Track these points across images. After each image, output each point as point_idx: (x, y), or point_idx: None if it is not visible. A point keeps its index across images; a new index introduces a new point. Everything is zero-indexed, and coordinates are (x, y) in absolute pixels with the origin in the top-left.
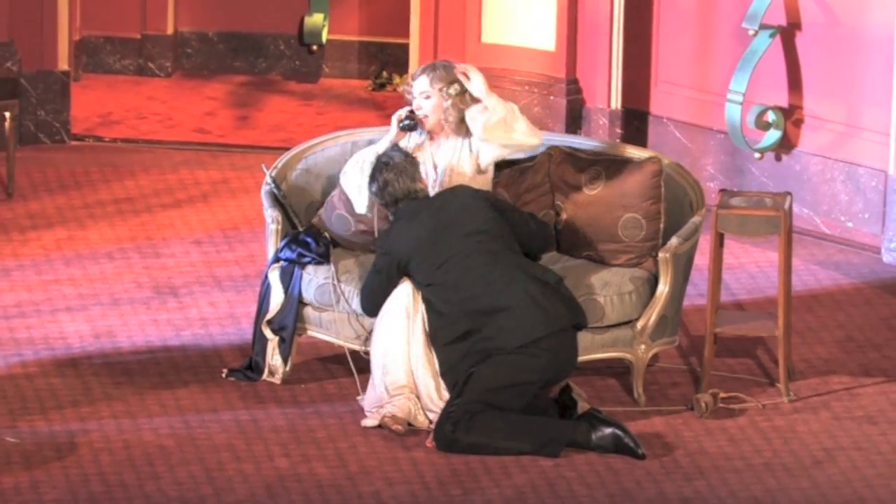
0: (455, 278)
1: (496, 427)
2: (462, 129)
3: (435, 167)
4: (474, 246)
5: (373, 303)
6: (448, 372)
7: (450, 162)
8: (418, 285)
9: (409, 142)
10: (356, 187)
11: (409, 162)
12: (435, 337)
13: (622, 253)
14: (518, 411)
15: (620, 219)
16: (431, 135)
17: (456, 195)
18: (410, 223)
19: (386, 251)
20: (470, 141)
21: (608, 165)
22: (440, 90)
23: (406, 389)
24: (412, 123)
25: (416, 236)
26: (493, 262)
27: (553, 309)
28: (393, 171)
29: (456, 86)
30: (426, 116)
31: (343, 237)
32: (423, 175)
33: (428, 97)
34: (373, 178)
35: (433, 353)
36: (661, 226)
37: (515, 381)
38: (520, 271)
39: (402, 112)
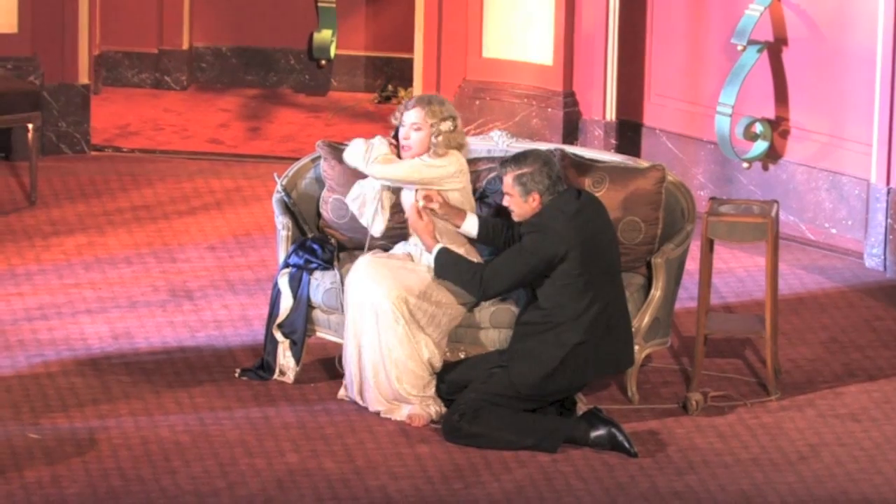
0: (584, 299)
1: (498, 421)
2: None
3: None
4: (609, 264)
5: (509, 286)
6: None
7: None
8: (551, 282)
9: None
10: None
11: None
12: (522, 331)
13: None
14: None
15: (620, 221)
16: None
17: (597, 203)
18: (574, 218)
19: (552, 239)
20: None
21: (612, 170)
22: (431, 125)
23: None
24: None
25: (584, 231)
26: (610, 293)
27: (626, 348)
28: (543, 156)
29: (448, 123)
30: (409, 148)
31: (339, 225)
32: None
33: (419, 129)
34: (526, 160)
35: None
36: (659, 231)
37: (525, 394)
38: (623, 301)
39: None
